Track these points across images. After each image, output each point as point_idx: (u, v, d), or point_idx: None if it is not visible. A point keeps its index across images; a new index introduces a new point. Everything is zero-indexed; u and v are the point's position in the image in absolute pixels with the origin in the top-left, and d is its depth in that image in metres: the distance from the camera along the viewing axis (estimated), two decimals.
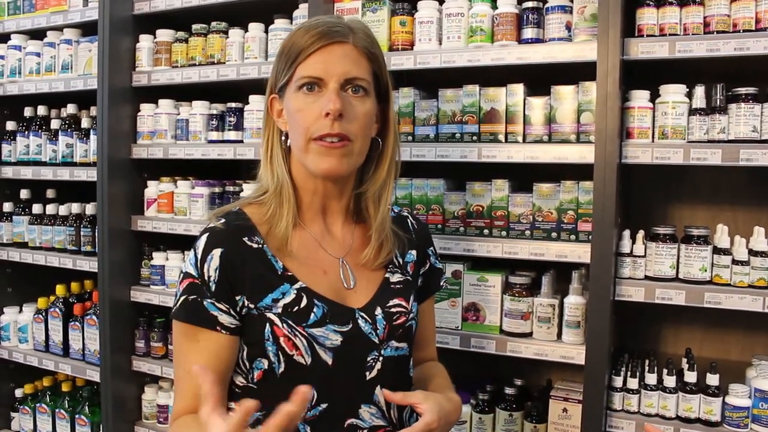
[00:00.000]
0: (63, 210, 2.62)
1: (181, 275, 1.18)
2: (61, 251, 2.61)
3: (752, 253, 1.66)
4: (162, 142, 2.39)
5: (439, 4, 1.95)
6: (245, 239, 1.18)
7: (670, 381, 1.72)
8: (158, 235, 2.43)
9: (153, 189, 2.44)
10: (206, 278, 1.14)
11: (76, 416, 2.62)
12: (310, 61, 1.15)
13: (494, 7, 1.87)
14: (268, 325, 1.15)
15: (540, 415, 1.92)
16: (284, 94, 1.21)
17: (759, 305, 1.61)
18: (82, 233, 2.55)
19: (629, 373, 1.77)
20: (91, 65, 2.47)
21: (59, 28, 2.57)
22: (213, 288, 1.13)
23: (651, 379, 1.74)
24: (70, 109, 2.63)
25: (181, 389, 1.18)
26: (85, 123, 2.54)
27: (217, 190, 2.35)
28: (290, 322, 1.15)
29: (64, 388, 2.68)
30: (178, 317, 1.16)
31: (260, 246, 1.18)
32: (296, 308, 1.16)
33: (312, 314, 1.16)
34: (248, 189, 2.23)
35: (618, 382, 1.76)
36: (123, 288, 2.45)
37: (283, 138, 1.24)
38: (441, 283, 1.45)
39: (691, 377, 1.70)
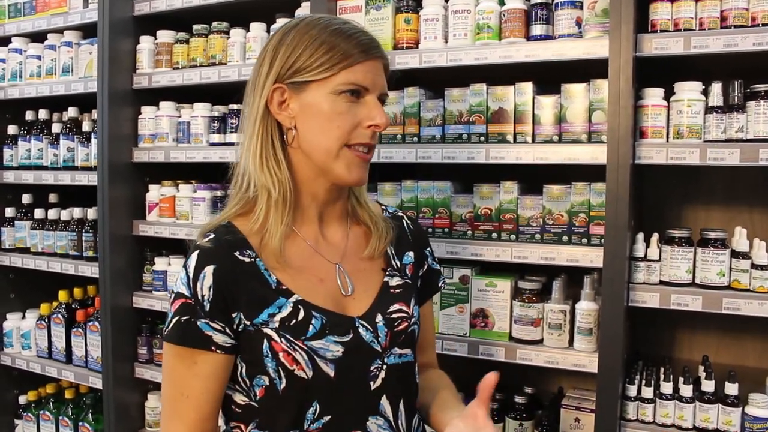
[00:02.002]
0: (65, 215, 2.59)
1: (172, 296, 1.13)
2: (63, 257, 2.58)
3: None
4: (163, 146, 2.35)
5: (444, 1, 1.89)
6: (237, 254, 1.13)
7: (686, 390, 1.66)
8: (160, 239, 2.39)
9: (154, 193, 2.40)
10: (200, 297, 1.09)
11: (80, 424, 2.59)
12: (358, 69, 1.13)
13: (502, 3, 1.81)
14: (266, 341, 1.10)
15: (551, 425, 1.86)
16: (305, 88, 1.13)
17: None
18: (84, 238, 2.51)
19: (644, 382, 1.71)
20: (91, 68, 2.44)
21: (60, 31, 2.54)
22: (207, 307, 1.09)
23: (666, 388, 1.68)
24: (71, 112, 2.60)
25: (179, 414, 1.12)
26: (86, 126, 2.51)
27: (219, 193, 2.30)
28: (288, 336, 1.10)
29: (68, 395, 2.65)
30: (171, 340, 1.11)
31: (252, 260, 1.13)
32: (294, 321, 1.11)
33: (310, 326, 1.12)
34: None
35: (632, 390, 1.70)
36: (125, 294, 2.42)
37: (285, 135, 1.16)
38: (440, 285, 1.41)
39: (708, 386, 1.64)
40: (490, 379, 1.09)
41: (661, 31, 1.62)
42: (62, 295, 2.62)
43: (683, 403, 1.65)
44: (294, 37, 1.14)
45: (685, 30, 1.60)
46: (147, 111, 2.39)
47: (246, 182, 1.17)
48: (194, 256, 1.12)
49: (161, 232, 2.35)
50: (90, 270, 2.47)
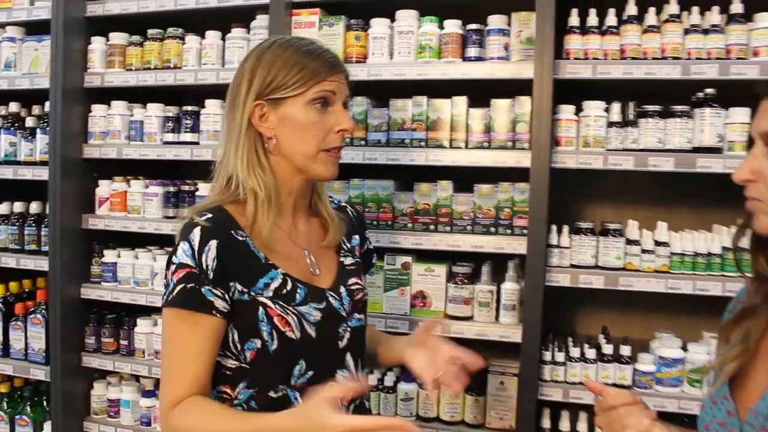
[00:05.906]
0: (4, 209, 2.60)
1: (174, 266, 1.29)
2: (3, 250, 2.59)
3: (657, 243, 1.98)
4: (116, 143, 2.44)
5: (390, 21, 2.15)
6: (232, 232, 1.33)
7: (590, 353, 2.01)
8: (108, 233, 2.48)
9: (105, 188, 2.48)
10: (204, 267, 1.27)
11: (17, 417, 2.59)
12: (326, 83, 1.35)
13: (441, 27, 2.10)
14: (261, 308, 1.31)
15: (480, 389, 2.16)
16: (281, 103, 1.34)
17: (662, 287, 1.93)
18: (26, 232, 2.54)
19: (557, 349, 2.05)
20: (37, 64, 2.49)
21: (2, 26, 2.55)
22: (211, 276, 1.28)
23: (575, 352, 2.03)
24: (13, 107, 2.62)
25: (179, 373, 1.29)
26: (29, 122, 2.54)
27: (171, 189, 2.42)
28: (281, 302, 1.32)
29: (2, 389, 2.64)
30: (176, 304, 1.27)
31: (244, 239, 1.34)
32: (284, 291, 1.34)
33: (297, 294, 1.35)
34: (204, 188, 2.34)
35: (547, 356, 2.03)
36: (73, 286, 2.48)
37: (266, 144, 1.37)
38: (373, 261, 1.70)
39: (607, 349, 2.00)
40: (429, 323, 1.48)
41: (574, 58, 1.97)
42: None
43: (588, 363, 2.01)
44: (269, 59, 1.36)
45: (593, 59, 1.96)
46: (98, 109, 2.47)
47: (235, 184, 1.37)
48: (197, 231, 1.30)
49: (112, 226, 2.44)
50: (33, 263, 2.51)
